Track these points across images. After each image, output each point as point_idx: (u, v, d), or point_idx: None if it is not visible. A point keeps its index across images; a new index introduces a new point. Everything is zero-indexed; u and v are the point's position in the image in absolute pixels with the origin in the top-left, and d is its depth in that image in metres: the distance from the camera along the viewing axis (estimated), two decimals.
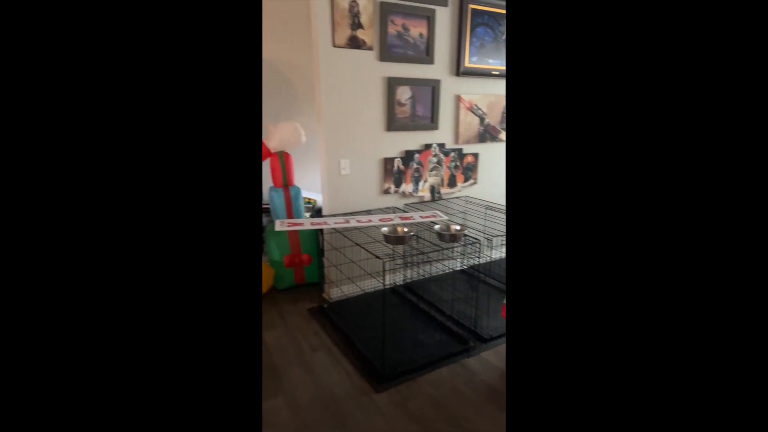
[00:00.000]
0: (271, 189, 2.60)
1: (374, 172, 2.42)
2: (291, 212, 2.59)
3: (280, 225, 2.15)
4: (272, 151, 2.52)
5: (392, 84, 2.32)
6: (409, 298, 2.50)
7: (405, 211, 2.45)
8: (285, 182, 2.59)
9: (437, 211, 2.26)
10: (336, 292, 2.46)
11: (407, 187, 2.55)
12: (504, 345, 2.03)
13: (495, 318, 2.28)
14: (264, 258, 2.70)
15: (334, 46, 2.12)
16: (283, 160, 2.56)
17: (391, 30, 2.24)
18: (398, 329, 2.14)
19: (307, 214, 2.91)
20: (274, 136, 2.49)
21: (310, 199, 3.30)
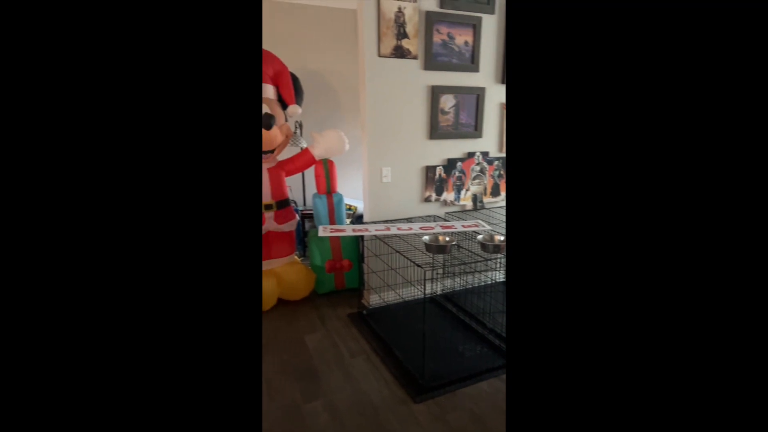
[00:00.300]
0: (314, 195, 2.67)
1: (415, 180, 2.42)
2: (333, 218, 2.64)
3: (323, 231, 2.19)
4: (317, 158, 2.59)
5: (436, 92, 2.31)
6: (449, 309, 2.46)
7: (446, 220, 2.42)
8: (328, 189, 2.65)
9: (479, 221, 2.22)
10: (375, 298, 2.47)
11: (449, 195, 2.53)
12: None
13: None
14: (306, 262, 2.77)
15: (380, 55, 2.15)
16: (327, 167, 2.62)
17: (437, 39, 2.25)
18: (438, 340, 2.11)
19: (348, 221, 2.96)
20: (319, 144, 2.55)
21: (350, 205, 3.35)
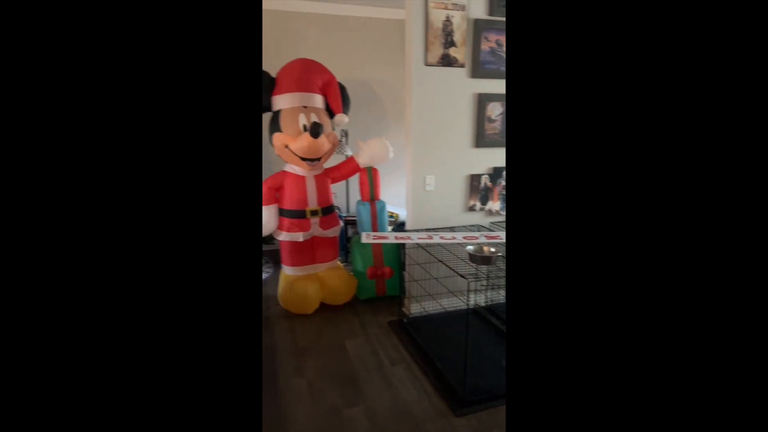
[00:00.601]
0: (358, 203, 2.71)
1: (459, 188, 2.39)
2: (376, 225, 2.67)
3: (366, 237, 2.22)
4: (361, 166, 2.63)
5: (483, 100, 2.28)
6: (492, 322, 2.39)
7: (491, 230, 2.37)
8: (372, 196, 2.68)
9: None
10: (416, 307, 2.46)
11: (494, 204, 2.47)
12: None
13: None
14: (348, 268, 2.81)
15: (427, 64, 2.16)
16: (371, 175, 2.66)
17: (485, 46, 2.22)
18: (480, 352, 2.05)
19: (389, 228, 2.97)
20: (364, 152, 2.59)
21: (393, 213, 3.37)
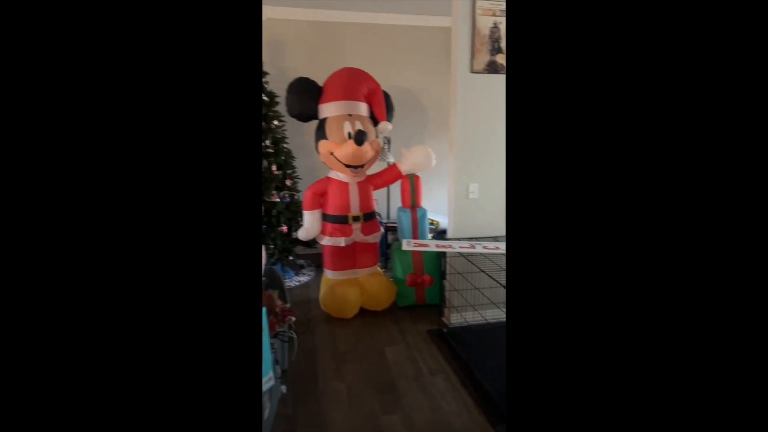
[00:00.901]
0: (399, 209, 2.72)
1: (504, 197, 2.34)
2: (416, 232, 2.66)
3: (407, 245, 2.22)
4: (403, 173, 2.64)
5: None
6: None
7: None
8: (413, 203, 2.68)
9: None
10: (456, 317, 2.42)
11: None
12: None
13: None
14: (387, 274, 2.82)
15: (472, 71, 2.14)
16: (413, 182, 2.66)
17: None
18: None
19: (430, 236, 2.95)
20: (407, 159, 2.60)
21: (433, 220, 3.35)
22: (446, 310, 2.47)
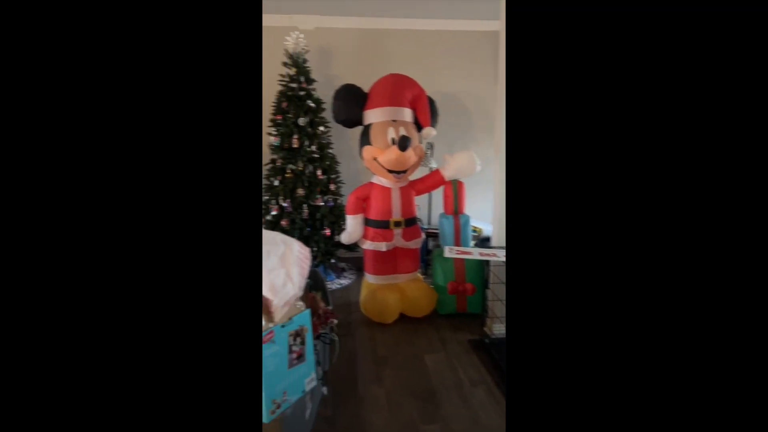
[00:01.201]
0: (441, 215, 2.69)
1: None
2: (459, 239, 2.62)
3: (449, 252, 2.19)
4: (447, 179, 2.62)
5: None
6: None
7: None
8: (456, 210, 2.64)
9: None
10: (499, 328, 2.35)
11: None
12: None
13: None
14: (428, 281, 2.79)
15: None
16: (456, 188, 2.63)
17: None
18: None
19: (472, 243, 2.90)
20: (451, 165, 2.58)
21: (476, 227, 3.28)
22: (488, 320, 2.40)
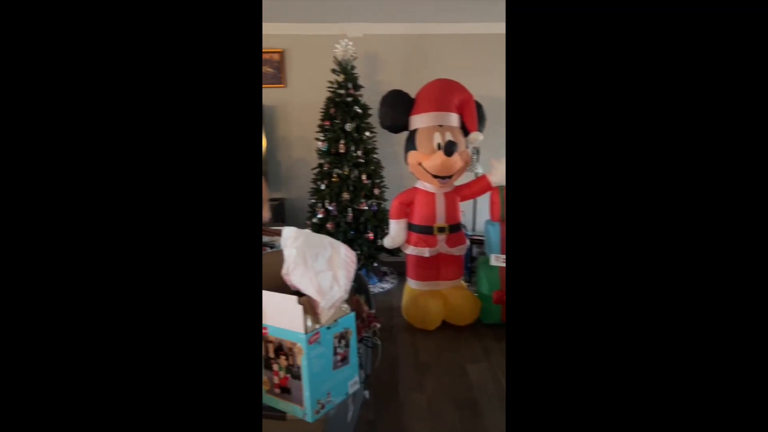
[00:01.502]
0: (487, 222, 2.63)
1: None
2: (505, 248, 2.55)
3: (495, 260, 2.14)
4: (493, 185, 2.56)
5: None
6: None
7: None
8: (503, 217, 2.58)
9: None
10: None
11: None
12: None
13: None
14: (472, 289, 2.74)
15: None
16: (503, 194, 2.56)
17: None
18: None
19: None
20: (498, 170, 2.52)
21: None
22: None
